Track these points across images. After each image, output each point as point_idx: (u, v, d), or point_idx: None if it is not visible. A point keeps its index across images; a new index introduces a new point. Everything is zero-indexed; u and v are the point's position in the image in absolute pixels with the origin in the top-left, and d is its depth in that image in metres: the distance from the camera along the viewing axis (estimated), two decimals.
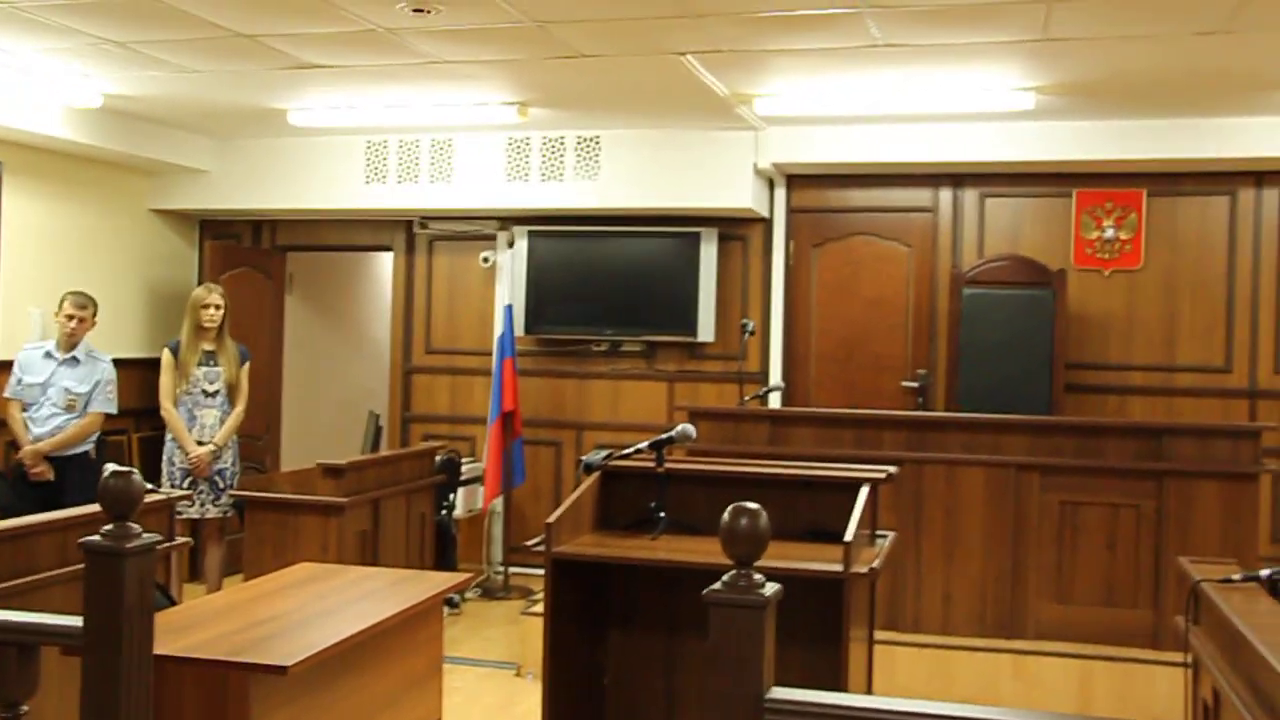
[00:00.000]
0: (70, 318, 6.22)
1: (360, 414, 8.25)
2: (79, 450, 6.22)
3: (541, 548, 3.62)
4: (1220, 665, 2.84)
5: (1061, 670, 5.34)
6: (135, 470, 2.44)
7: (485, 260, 8.14)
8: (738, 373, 7.34)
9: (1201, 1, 4.59)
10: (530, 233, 7.84)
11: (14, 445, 6.26)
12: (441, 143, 7.71)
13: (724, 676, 1.98)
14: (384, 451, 7.70)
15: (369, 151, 7.82)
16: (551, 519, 3.64)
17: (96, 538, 2.34)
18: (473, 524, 7.89)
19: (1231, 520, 5.38)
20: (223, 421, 6.49)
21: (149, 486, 2.88)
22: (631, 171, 7.40)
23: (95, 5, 4.95)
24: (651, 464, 3.93)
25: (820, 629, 3.59)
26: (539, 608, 5.73)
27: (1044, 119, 6.69)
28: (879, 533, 3.96)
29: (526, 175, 7.58)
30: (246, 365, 6.66)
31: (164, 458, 6.50)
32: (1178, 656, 4.30)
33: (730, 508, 2.04)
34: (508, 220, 8.02)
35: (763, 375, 7.61)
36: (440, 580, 3.98)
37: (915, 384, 7.32)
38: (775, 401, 7.31)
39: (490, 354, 7.72)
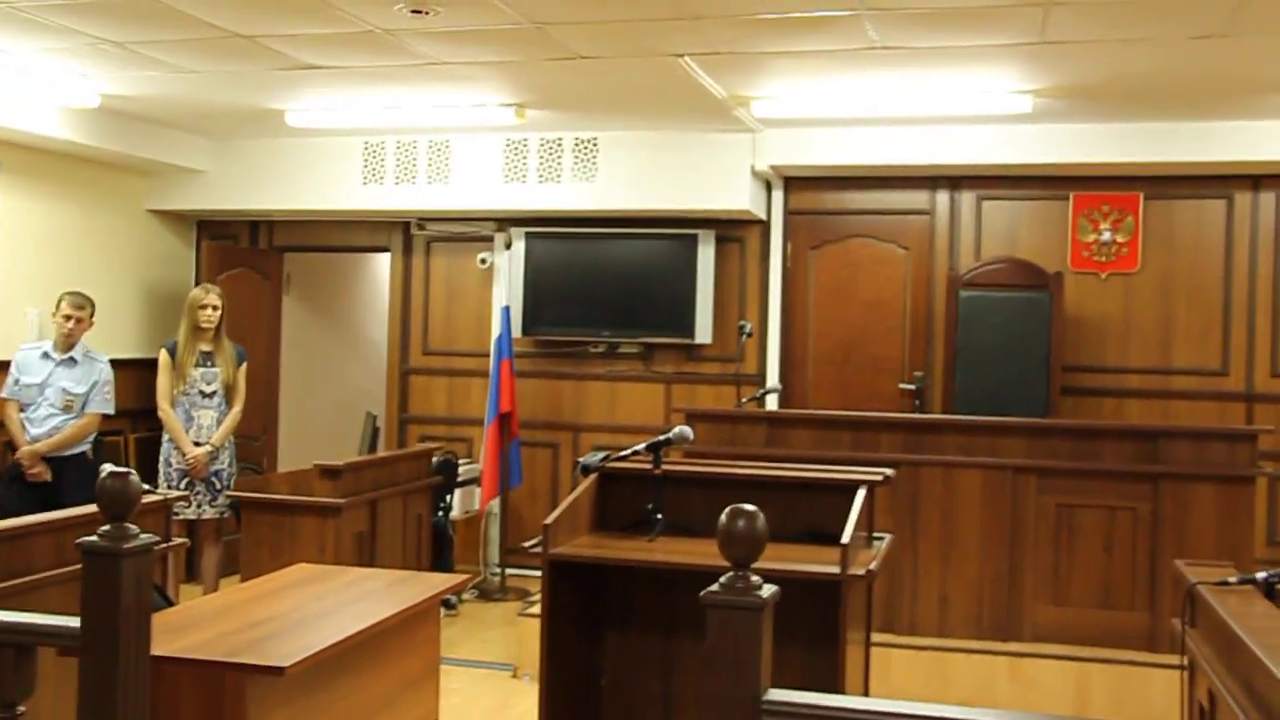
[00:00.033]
0: (68, 318, 6.21)
1: (357, 415, 8.24)
2: (77, 451, 6.22)
3: (539, 549, 3.62)
4: (1216, 668, 2.84)
5: (1058, 672, 5.35)
6: (133, 471, 2.44)
7: (483, 261, 8.14)
8: (735, 374, 7.34)
9: (1199, 5, 4.60)
10: (528, 234, 7.84)
11: (11, 446, 6.25)
12: (439, 144, 7.71)
13: (721, 678, 1.98)
14: (381, 453, 7.69)
15: (366, 152, 7.82)
16: (549, 520, 3.64)
17: (94, 538, 2.34)
18: (470, 525, 7.89)
19: (1228, 523, 5.38)
20: (220, 422, 6.48)
21: (146, 487, 2.88)
22: (629, 173, 7.40)
23: (93, 5, 4.95)
24: (649, 466, 3.93)
25: (817, 631, 3.59)
26: (536, 609, 5.71)
27: (1041, 122, 6.70)
28: (876, 535, 3.96)
29: (524, 177, 7.58)
30: (244, 366, 6.66)
31: (161, 458, 6.49)
32: (1174, 659, 4.30)
33: (728, 510, 2.04)
34: (505, 221, 8.02)
35: (760, 377, 7.61)
36: (437, 581, 3.98)
37: (912, 386, 7.33)
38: (772, 403, 7.31)
39: (488, 355, 7.72)
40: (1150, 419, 6.98)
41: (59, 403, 6.16)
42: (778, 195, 7.68)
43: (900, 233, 7.53)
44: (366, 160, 7.83)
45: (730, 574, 2.01)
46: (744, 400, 6.85)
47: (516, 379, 7.53)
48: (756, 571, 2.02)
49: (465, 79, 6.12)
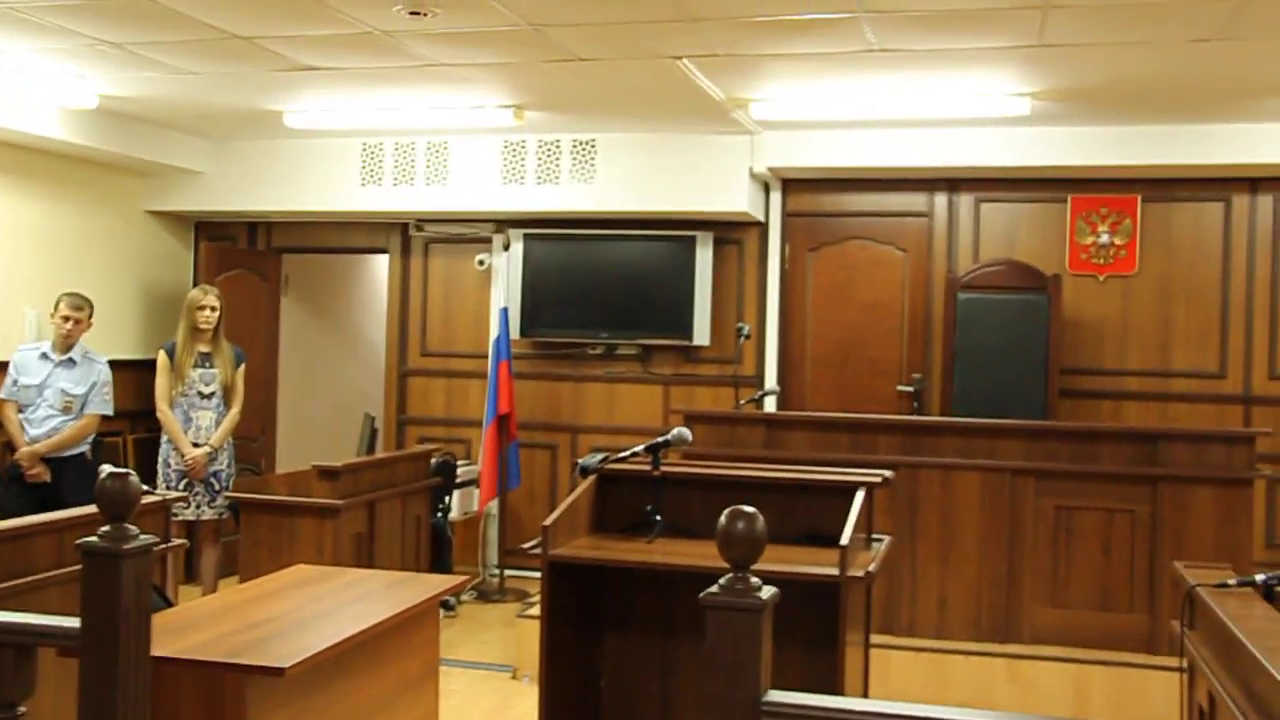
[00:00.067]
0: (66, 319, 6.21)
1: (355, 416, 8.24)
2: (76, 451, 6.22)
3: (538, 550, 3.62)
4: (1216, 670, 2.84)
5: (1057, 674, 5.35)
6: (132, 472, 2.44)
7: (481, 263, 8.14)
8: (733, 376, 7.35)
9: (1197, 8, 4.61)
10: (526, 235, 7.85)
11: (10, 447, 6.25)
12: (437, 145, 7.71)
13: (721, 679, 1.98)
14: (379, 454, 7.69)
15: (364, 154, 7.82)
16: (548, 522, 3.64)
17: (94, 539, 2.34)
18: (468, 526, 7.89)
19: (1226, 525, 5.39)
20: (218, 423, 6.48)
21: (145, 488, 2.88)
22: (627, 175, 7.41)
23: (91, 6, 4.95)
24: (647, 467, 3.93)
25: (816, 632, 3.59)
26: (535, 610, 5.72)
27: (1039, 124, 6.71)
28: (875, 536, 3.97)
29: (522, 178, 7.59)
30: (242, 367, 6.66)
31: (159, 459, 6.49)
32: (1173, 661, 4.31)
33: (727, 511, 2.04)
34: (503, 223, 8.03)
35: (758, 379, 7.61)
36: (436, 583, 3.98)
37: (910, 388, 7.34)
38: (770, 405, 7.31)
39: (486, 357, 7.72)
40: (1149, 421, 6.99)
41: (58, 404, 6.15)
42: (776, 197, 7.68)
43: (898, 235, 7.54)
44: (365, 161, 7.83)
45: (730, 575, 2.01)
46: (742, 402, 6.85)
47: (515, 380, 7.53)
48: (755, 573, 2.02)
49: (463, 81, 6.12)
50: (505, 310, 7.60)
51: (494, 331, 7.60)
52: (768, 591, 2.00)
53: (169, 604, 4.21)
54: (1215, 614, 2.90)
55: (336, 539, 5.44)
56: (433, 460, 6.90)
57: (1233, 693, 2.65)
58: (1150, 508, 5.48)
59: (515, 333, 7.71)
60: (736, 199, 7.29)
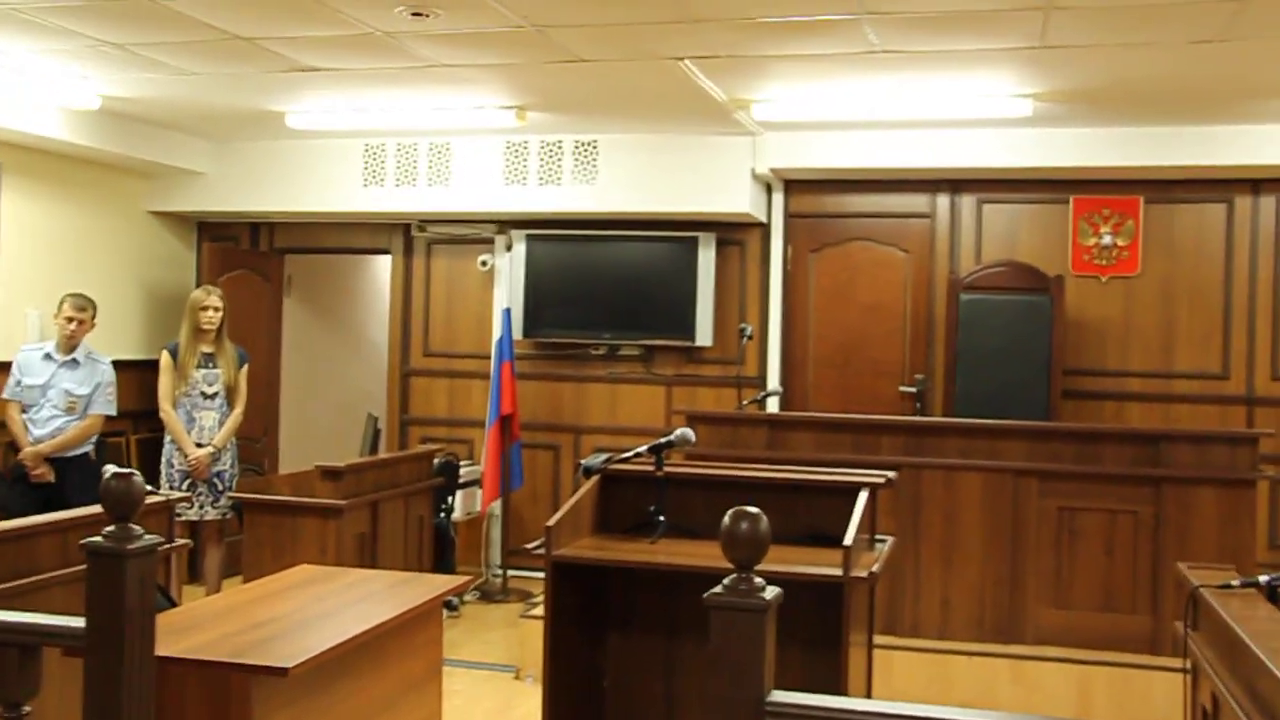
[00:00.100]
0: (70, 320, 6.22)
1: (358, 416, 8.25)
2: (79, 452, 6.23)
3: (542, 550, 3.63)
4: (1219, 671, 2.84)
5: (1060, 675, 5.35)
6: (137, 472, 2.44)
7: (483, 263, 8.15)
8: (736, 377, 7.35)
9: (1198, 10, 4.61)
10: (528, 236, 7.85)
11: (13, 447, 6.26)
12: (439, 146, 7.71)
13: (724, 680, 1.98)
14: (382, 454, 7.69)
15: (367, 154, 7.83)
16: (551, 522, 3.65)
17: (98, 539, 2.34)
18: (471, 527, 7.89)
19: (1229, 526, 5.39)
20: (221, 424, 6.48)
21: (148, 488, 2.88)
22: (629, 176, 7.41)
23: (93, 7, 4.95)
24: (650, 468, 3.93)
25: (820, 633, 3.59)
26: (538, 610, 5.74)
27: (1041, 125, 6.71)
28: (878, 537, 3.97)
29: (524, 179, 7.59)
30: (245, 367, 6.66)
31: (163, 460, 6.49)
32: (1176, 662, 4.31)
33: (731, 512, 2.04)
34: (506, 224, 8.03)
35: (760, 380, 7.62)
36: (439, 583, 3.98)
37: (913, 389, 7.34)
38: (773, 406, 7.32)
39: (488, 357, 7.73)
40: (1151, 422, 6.99)
41: (62, 404, 6.16)
42: (778, 198, 7.68)
43: (901, 236, 7.54)
44: (367, 162, 7.83)
45: (733, 576, 2.01)
46: (745, 403, 6.85)
47: (517, 381, 7.53)
48: (759, 573, 2.02)
49: (465, 81, 6.13)
50: (508, 311, 7.60)
51: (496, 332, 7.60)
52: (771, 592, 2.00)
53: (173, 604, 4.22)
54: (1219, 615, 2.90)
55: (340, 539, 5.44)
56: (435, 460, 6.90)
57: (1236, 694, 2.65)
58: (1153, 509, 5.48)
59: (518, 333, 7.71)
60: (739, 200, 7.29)
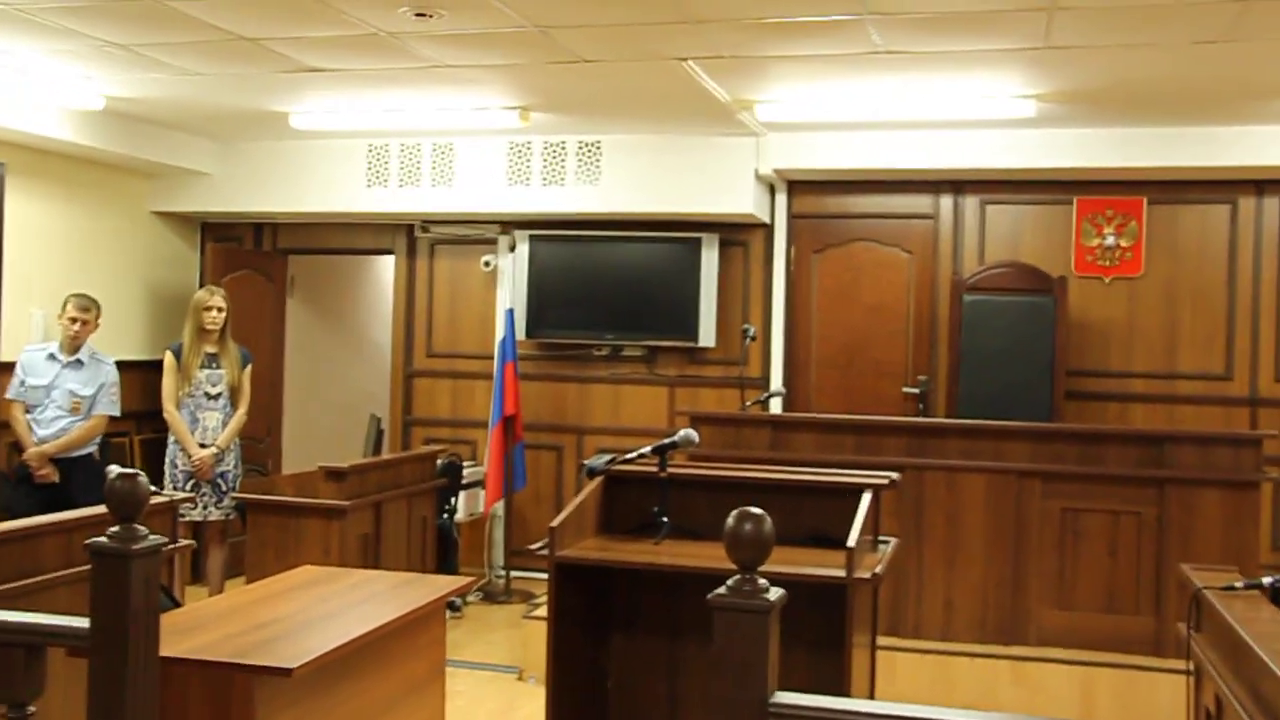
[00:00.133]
0: (74, 320, 6.22)
1: (361, 417, 8.25)
2: (84, 452, 6.24)
3: (545, 551, 3.63)
4: (1223, 673, 2.84)
5: (1064, 677, 5.34)
6: (141, 473, 2.45)
7: (486, 264, 8.15)
8: (739, 378, 7.35)
9: (1202, 10, 4.61)
10: (531, 237, 7.85)
11: (17, 447, 6.26)
12: (443, 146, 7.72)
13: (728, 681, 1.98)
14: (385, 455, 7.70)
15: (370, 155, 7.83)
16: (555, 523, 3.65)
17: (103, 539, 2.34)
18: (474, 528, 7.89)
19: (1233, 528, 5.38)
20: (225, 424, 6.50)
21: (152, 489, 2.89)
22: (633, 176, 7.41)
23: (97, 8, 4.96)
24: (654, 469, 3.93)
25: (823, 634, 3.59)
26: (541, 611, 5.74)
27: (1045, 126, 6.70)
28: (881, 538, 3.97)
29: (528, 180, 7.59)
30: (249, 368, 6.67)
31: (166, 460, 6.50)
32: (1180, 663, 4.30)
33: (735, 512, 2.04)
34: (509, 224, 8.03)
35: (764, 381, 7.62)
36: (442, 584, 3.99)
37: (916, 390, 7.34)
38: (776, 407, 7.31)
39: (491, 358, 7.74)
40: (1155, 424, 6.98)
41: (66, 404, 6.17)
42: (781, 199, 7.68)
43: (904, 237, 7.54)
44: (370, 163, 7.84)
45: (737, 577, 2.01)
46: (748, 404, 6.85)
47: (520, 381, 7.54)
48: (762, 575, 2.02)
49: (469, 82, 6.13)
50: (511, 311, 7.61)
51: (500, 333, 7.61)
52: (775, 593, 2.00)
53: (177, 604, 4.23)
54: (1222, 617, 2.90)
55: (343, 540, 5.45)
56: (438, 461, 6.91)
57: (1240, 695, 2.65)
58: (1157, 510, 5.47)
59: (521, 334, 7.71)
60: (742, 201, 7.29)
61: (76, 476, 6.11)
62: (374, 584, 3.90)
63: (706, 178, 7.29)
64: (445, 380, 8.31)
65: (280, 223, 8.57)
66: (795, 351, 7.68)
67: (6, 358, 6.57)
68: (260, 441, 8.12)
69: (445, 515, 7.24)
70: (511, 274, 7.96)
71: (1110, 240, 7.20)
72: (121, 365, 6.56)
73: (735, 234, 7.71)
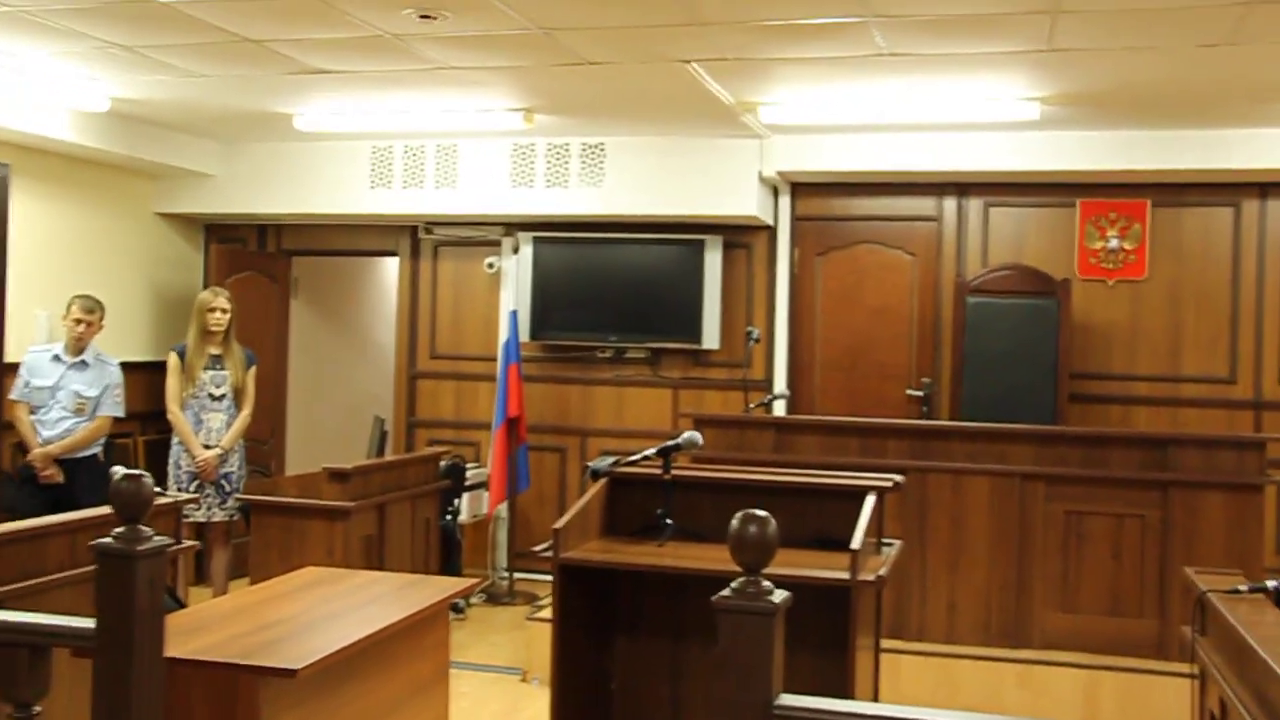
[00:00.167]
0: (78, 321, 6.24)
1: (365, 418, 8.26)
2: (88, 453, 6.25)
3: (549, 553, 3.63)
4: (1227, 676, 2.84)
5: (1068, 680, 5.34)
6: (146, 473, 2.45)
7: (490, 266, 8.16)
8: (742, 380, 7.34)
9: (1205, 13, 4.61)
10: (535, 239, 7.85)
11: (21, 448, 6.27)
12: (447, 148, 7.72)
13: (732, 683, 1.98)
14: (389, 456, 7.70)
15: (374, 156, 7.84)
16: (559, 525, 3.65)
17: (108, 540, 2.35)
18: (478, 529, 7.90)
19: (1237, 531, 5.38)
20: (229, 425, 6.50)
21: (157, 490, 2.89)
22: (636, 178, 7.41)
23: (102, 9, 4.97)
24: (658, 471, 3.93)
25: (827, 636, 3.59)
26: (544, 613, 5.74)
27: (1049, 129, 6.70)
28: (885, 541, 3.97)
29: (531, 181, 7.60)
30: (253, 369, 6.68)
31: (170, 461, 6.51)
32: (1184, 667, 4.29)
33: (739, 515, 2.05)
34: (513, 226, 8.04)
35: (767, 383, 7.62)
36: (447, 585, 3.99)
37: (919, 393, 7.33)
38: (780, 409, 7.31)
39: (495, 359, 7.74)
40: (1158, 426, 6.97)
41: (71, 405, 6.18)
42: (785, 201, 7.69)
43: (907, 239, 7.54)
44: (374, 164, 7.84)
45: (742, 579, 2.01)
46: (751, 406, 6.85)
47: (524, 383, 7.54)
48: (766, 577, 2.02)
49: (473, 84, 6.14)
50: (515, 313, 7.62)
51: (503, 334, 7.61)
52: (780, 595, 2.01)
53: (181, 605, 4.23)
54: (1226, 620, 2.90)
55: (347, 541, 5.45)
56: (442, 463, 6.91)
57: (1244, 699, 2.64)
58: (1160, 513, 5.47)
59: (524, 335, 7.72)
60: (745, 203, 7.29)
61: (80, 477, 6.12)
62: (378, 585, 3.90)
63: (710, 180, 7.29)
64: (449, 382, 8.32)
65: (284, 224, 8.58)
66: (799, 354, 7.68)
67: (11, 359, 6.58)
68: (264, 443, 8.13)
69: (448, 517, 7.24)
70: (515, 276, 7.96)
71: (1114, 243, 7.20)
72: (126, 366, 6.58)
73: (739, 236, 7.71)
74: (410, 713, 3.61)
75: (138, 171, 7.88)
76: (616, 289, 7.75)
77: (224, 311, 6.53)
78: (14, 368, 6.40)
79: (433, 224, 8.25)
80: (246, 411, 6.59)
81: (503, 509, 7.67)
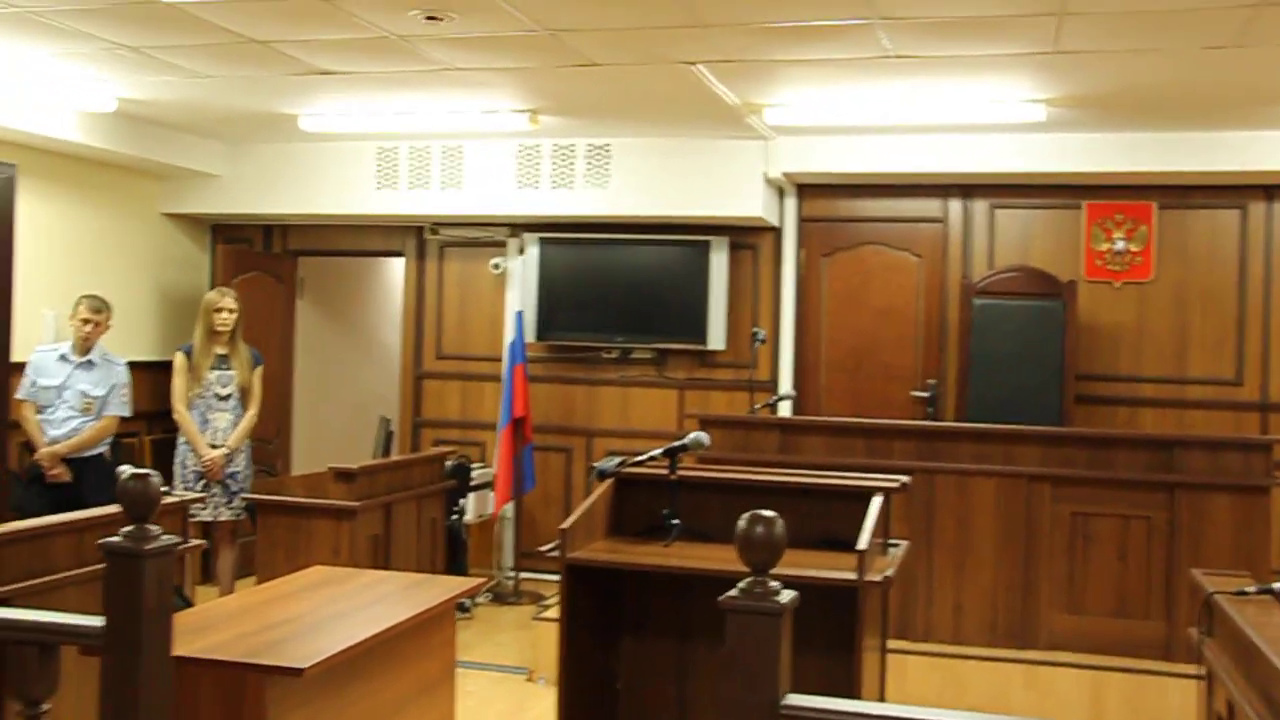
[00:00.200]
0: (85, 321, 6.25)
1: (371, 418, 8.26)
2: (95, 452, 6.26)
3: (556, 553, 3.63)
4: (1234, 678, 2.84)
5: (1074, 681, 5.33)
6: (154, 472, 2.46)
7: (496, 266, 8.16)
8: (748, 381, 7.34)
9: (1211, 16, 4.60)
10: (541, 239, 7.86)
11: (29, 447, 6.28)
12: (452, 149, 7.73)
13: (739, 683, 1.99)
14: (395, 456, 7.71)
15: (380, 157, 7.85)
16: (566, 525, 3.66)
17: (117, 539, 2.35)
18: (483, 529, 7.90)
19: (1243, 532, 5.37)
20: (235, 425, 6.51)
21: (164, 489, 2.90)
22: (642, 180, 7.42)
23: (109, 10, 4.98)
24: (664, 471, 3.94)
25: (834, 637, 3.60)
26: (550, 613, 5.75)
27: (1054, 131, 6.70)
28: (891, 541, 3.97)
29: (537, 182, 7.61)
30: (259, 369, 6.69)
31: (176, 460, 6.52)
32: (1191, 668, 4.29)
33: (747, 515, 2.05)
34: (518, 227, 8.04)
35: (773, 384, 7.62)
36: (452, 585, 4.00)
37: (925, 394, 7.33)
38: (785, 410, 7.31)
39: (501, 360, 7.75)
40: (1165, 428, 6.97)
41: (78, 405, 6.19)
42: (790, 202, 7.69)
43: (913, 240, 7.53)
44: (380, 165, 7.85)
45: (749, 579, 2.01)
46: (757, 406, 6.85)
47: (530, 383, 7.55)
48: (773, 577, 2.02)
49: (479, 85, 6.14)
50: (520, 313, 7.62)
51: (509, 335, 7.62)
52: (787, 595, 2.01)
53: (188, 604, 4.24)
54: (1234, 621, 2.89)
55: (353, 541, 5.45)
56: (448, 463, 6.91)
57: (1252, 701, 2.64)
58: (1167, 514, 5.46)
59: (530, 336, 7.73)
60: (751, 204, 7.29)
61: (87, 476, 6.12)
62: (384, 585, 3.90)
63: (715, 181, 7.29)
64: (454, 382, 8.32)
65: (290, 224, 8.59)
66: (804, 355, 7.68)
67: (18, 358, 6.59)
68: (270, 442, 8.14)
69: (454, 516, 7.25)
70: (521, 276, 7.97)
71: (1120, 245, 7.19)
72: (132, 366, 6.58)
73: (744, 237, 7.71)
74: (416, 712, 3.61)
75: (144, 172, 7.90)
76: (622, 290, 7.75)
77: (230, 312, 6.54)
78: (21, 367, 6.41)
79: (438, 224, 8.26)
80: (253, 411, 6.60)
81: (508, 509, 7.67)
